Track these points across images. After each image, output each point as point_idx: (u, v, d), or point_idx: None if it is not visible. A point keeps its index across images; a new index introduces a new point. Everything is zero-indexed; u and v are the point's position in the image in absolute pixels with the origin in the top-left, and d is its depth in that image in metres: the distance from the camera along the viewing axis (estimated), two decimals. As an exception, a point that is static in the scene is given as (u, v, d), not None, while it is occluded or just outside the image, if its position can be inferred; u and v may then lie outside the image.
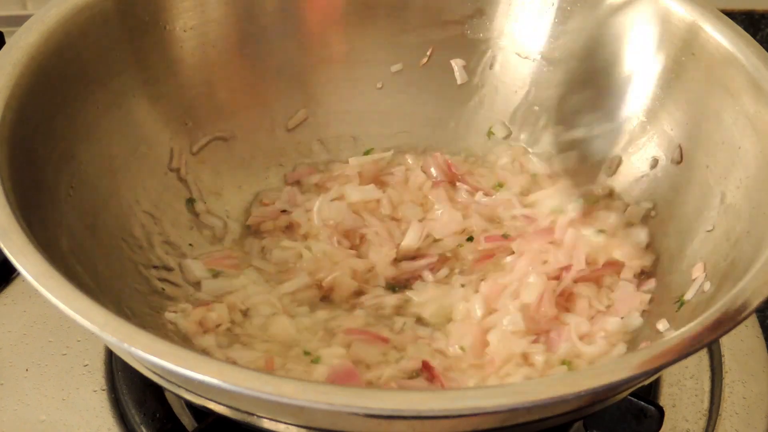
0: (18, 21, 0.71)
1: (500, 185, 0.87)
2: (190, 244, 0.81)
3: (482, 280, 0.76)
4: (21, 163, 0.63)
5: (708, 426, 0.75)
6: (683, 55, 0.79)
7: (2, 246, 0.55)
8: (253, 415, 0.55)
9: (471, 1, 0.89)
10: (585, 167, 0.86)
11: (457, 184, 0.87)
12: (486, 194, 0.85)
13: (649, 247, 0.78)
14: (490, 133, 0.91)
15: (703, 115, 0.77)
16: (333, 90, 0.92)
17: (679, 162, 0.78)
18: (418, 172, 0.87)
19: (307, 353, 0.70)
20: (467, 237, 0.82)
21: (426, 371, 0.69)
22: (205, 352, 0.70)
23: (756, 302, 0.55)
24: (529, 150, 0.90)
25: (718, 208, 0.72)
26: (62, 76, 0.71)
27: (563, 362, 0.71)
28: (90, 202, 0.72)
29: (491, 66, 0.91)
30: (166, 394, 0.74)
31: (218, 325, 0.72)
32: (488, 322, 0.72)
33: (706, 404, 0.77)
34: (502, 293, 0.74)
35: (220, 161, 0.87)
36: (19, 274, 0.55)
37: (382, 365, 0.70)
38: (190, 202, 0.83)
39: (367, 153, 0.90)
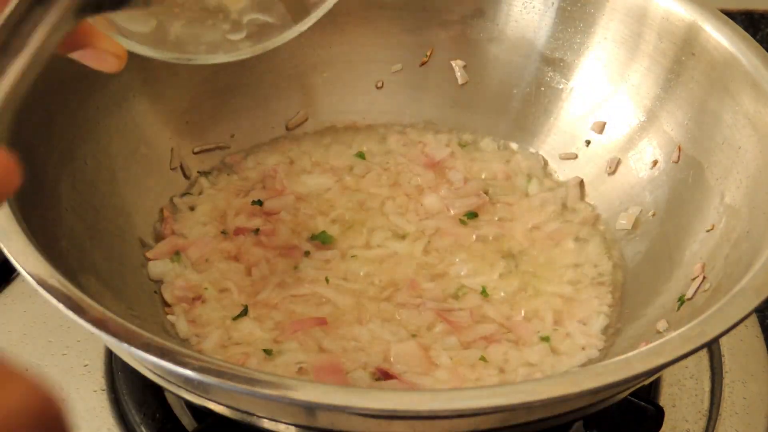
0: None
1: (499, 191, 0.87)
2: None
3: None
4: (21, 163, 0.63)
5: (708, 426, 0.75)
6: (683, 55, 0.79)
7: (2, 246, 0.55)
8: (253, 415, 0.55)
9: (471, 1, 0.89)
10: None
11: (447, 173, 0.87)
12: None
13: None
14: (492, 135, 0.91)
15: (703, 115, 0.77)
16: (333, 90, 0.92)
17: (679, 162, 0.79)
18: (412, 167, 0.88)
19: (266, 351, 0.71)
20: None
21: (382, 375, 0.69)
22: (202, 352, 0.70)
23: (756, 302, 0.55)
24: (531, 153, 0.90)
25: (718, 207, 0.72)
26: (62, 76, 0.71)
27: (543, 338, 0.73)
28: (90, 202, 0.72)
29: (491, 66, 0.91)
30: (166, 394, 0.74)
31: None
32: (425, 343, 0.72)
33: (706, 404, 0.76)
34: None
35: (221, 160, 0.87)
36: (19, 274, 0.55)
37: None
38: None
39: (361, 151, 0.90)
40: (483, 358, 0.71)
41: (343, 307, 0.75)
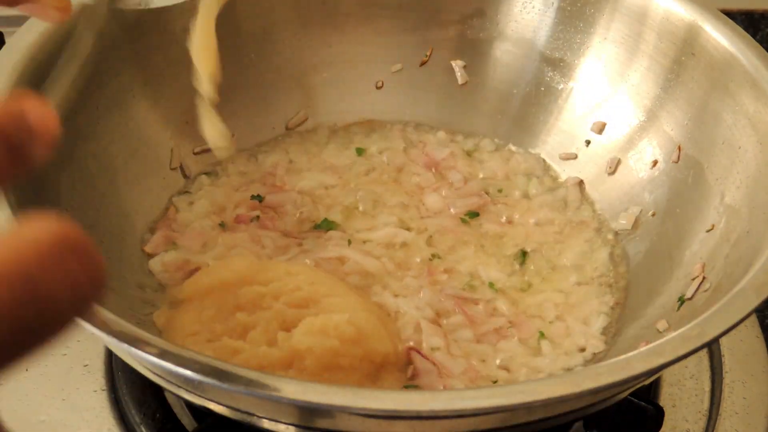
0: (18, 21, 0.71)
1: (500, 191, 0.87)
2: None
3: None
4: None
5: (708, 426, 0.75)
6: (683, 55, 0.79)
7: (2, 246, 0.55)
8: (253, 415, 0.55)
9: (471, 1, 0.89)
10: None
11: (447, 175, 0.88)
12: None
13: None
14: (492, 137, 0.91)
15: (703, 115, 0.77)
16: (333, 90, 0.92)
17: (679, 162, 0.79)
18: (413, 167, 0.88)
19: None
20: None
21: (416, 352, 0.70)
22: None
23: (756, 302, 0.55)
24: (531, 153, 0.90)
25: (718, 207, 0.72)
26: (62, 77, 0.71)
27: (543, 337, 0.73)
28: (90, 202, 0.72)
29: (491, 66, 0.91)
30: (166, 394, 0.74)
31: None
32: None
33: (706, 404, 0.76)
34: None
35: (220, 160, 0.87)
36: (19, 274, 0.55)
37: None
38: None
39: (362, 151, 0.90)
40: (494, 357, 0.72)
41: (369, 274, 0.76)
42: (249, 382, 0.48)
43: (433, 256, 0.79)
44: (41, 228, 0.30)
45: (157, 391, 0.73)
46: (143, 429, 0.72)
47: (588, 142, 0.87)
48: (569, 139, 0.88)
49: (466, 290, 0.76)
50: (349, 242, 0.79)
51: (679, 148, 0.79)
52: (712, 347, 0.81)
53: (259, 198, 0.83)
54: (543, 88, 0.89)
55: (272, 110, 0.90)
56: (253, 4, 0.86)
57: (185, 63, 0.83)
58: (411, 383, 0.68)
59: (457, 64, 0.91)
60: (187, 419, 0.73)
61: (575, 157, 0.87)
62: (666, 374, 0.78)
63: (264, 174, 0.86)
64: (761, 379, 0.79)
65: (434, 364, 0.69)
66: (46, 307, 0.29)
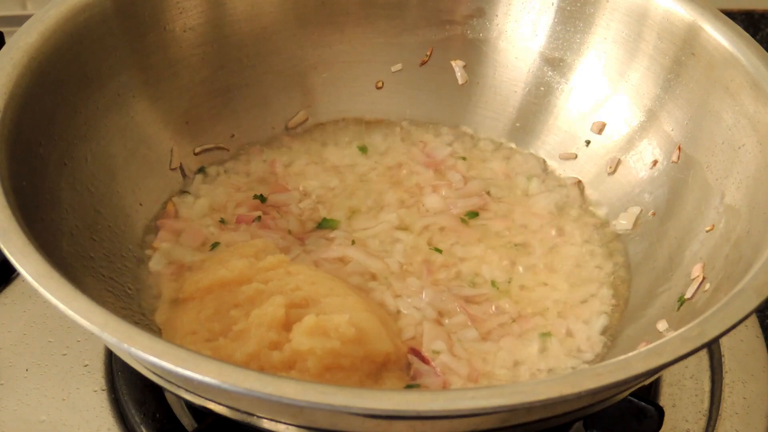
0: (18, 21, 0.71)
1: (500, 190, 0.87)
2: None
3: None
4: (21, 163, 0.63)
5: (708, 426, 0.75)
6: (683, 55, 0.79)
7: (2, 246, 0.55)
8: (253, 415, 0.55)
9: (471, 1, 0.89)
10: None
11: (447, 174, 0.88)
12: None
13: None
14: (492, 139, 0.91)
15: (703, 115, 0.77)
16: (333, 90, 0.92)
17: (678, 162, 0.79)
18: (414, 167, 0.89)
19: None
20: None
21: (416, 355, 0.70)
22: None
23: (756, 302, 0.55)
24: (531, 153, 0.90)
25: (718, 207, 0.72)
26: (62, 77, 0.71)
27: (544, 336, 0.73)
28: (90, 202, 0.72)
29: (491, 66, 0.91)
30: (166, 394, 0.74)
31: None
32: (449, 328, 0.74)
33: (706, 404, 0.77)
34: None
35: (221, 161, 0.87)
36: (19, 274, 0.55)
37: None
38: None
39: (362, 150, 0.90)
40: (496, 356, 0.72)
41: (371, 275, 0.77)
42: (249, 383, 0.48)
43: (434, 255, 0.79)
44: None
45: (157, 391, 0.73)
46: (143, 429, 0.72)
47: (588, 142, 0.87)
48: (569, 139, 0.88)
49: (468, 289, 0.76)
50: (353, 242, 0.79)
51: (679, 148, 0.79)
52: (712, 347, 0.81)
53: (261, 198, 0.83)
54: (543, 88, 0.89)
55: (272, 110, 0.90)
56: (253, 4, 0.86)
57: (185, 63, 0.84)
58: (413, 383, 0.68)
59: (457, 64, 0.91)
60: (187, 419, 0.73)
61: (575, 157, 0.87)
62: (666, 374, 0.78)
63: (264, 174, 0.86)
64: (761, 379, 0.79)
65: (434, 367, 0.69)
66: None
